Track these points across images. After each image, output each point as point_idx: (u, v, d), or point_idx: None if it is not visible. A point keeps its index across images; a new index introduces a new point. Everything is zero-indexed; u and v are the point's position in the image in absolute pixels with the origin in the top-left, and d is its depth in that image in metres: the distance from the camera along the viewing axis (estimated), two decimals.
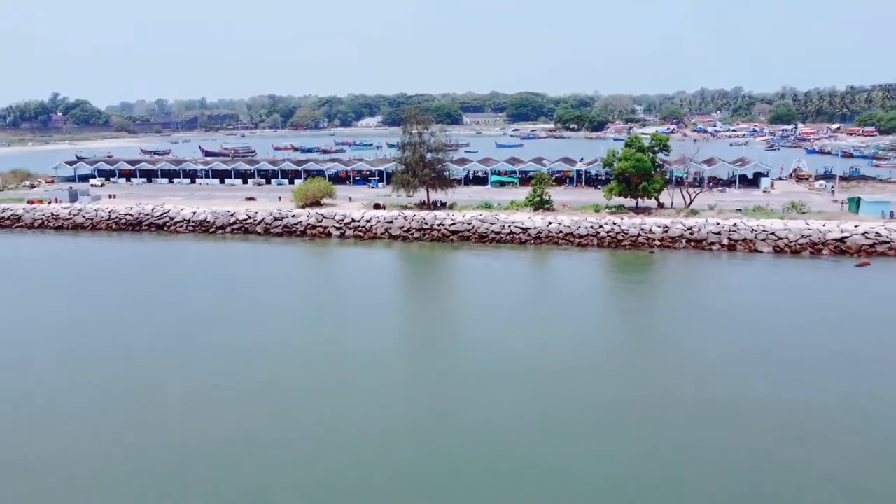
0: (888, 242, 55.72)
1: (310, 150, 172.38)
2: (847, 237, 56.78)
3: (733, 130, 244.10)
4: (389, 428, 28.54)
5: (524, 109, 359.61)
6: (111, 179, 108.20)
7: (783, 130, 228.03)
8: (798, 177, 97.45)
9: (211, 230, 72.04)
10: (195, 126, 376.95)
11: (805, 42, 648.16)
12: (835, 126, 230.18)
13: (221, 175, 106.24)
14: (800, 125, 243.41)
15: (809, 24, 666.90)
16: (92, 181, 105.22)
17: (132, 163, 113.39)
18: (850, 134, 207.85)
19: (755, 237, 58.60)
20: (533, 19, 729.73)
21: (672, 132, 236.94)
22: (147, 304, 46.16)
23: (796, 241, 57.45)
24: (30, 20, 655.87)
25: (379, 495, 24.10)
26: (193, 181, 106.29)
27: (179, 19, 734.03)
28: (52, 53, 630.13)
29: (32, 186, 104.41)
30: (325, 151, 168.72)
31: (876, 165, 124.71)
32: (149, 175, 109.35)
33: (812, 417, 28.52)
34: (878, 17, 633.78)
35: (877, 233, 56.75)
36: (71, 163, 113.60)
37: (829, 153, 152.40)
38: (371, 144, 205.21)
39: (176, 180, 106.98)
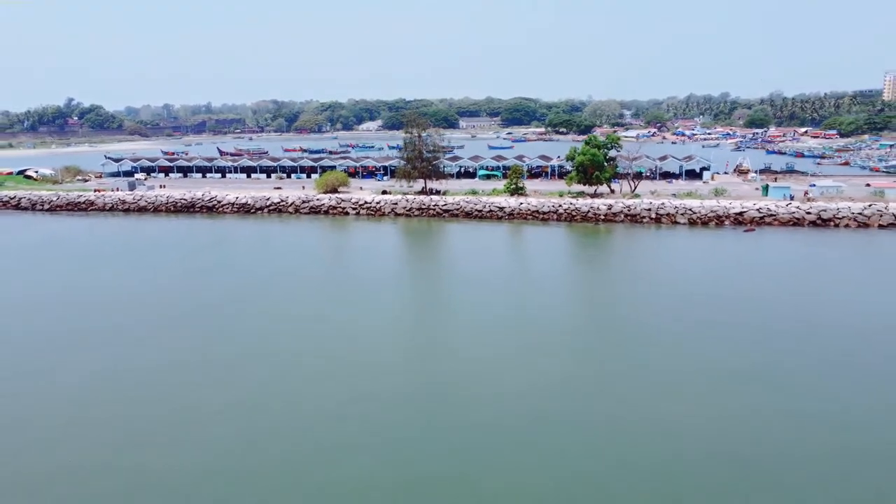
0: (774, 215, 73.35)
1: (318, 152, 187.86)
2: (744, 212, 74.33)
3: (708, 133, 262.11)
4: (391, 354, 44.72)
5: (518, 114, 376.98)
6: (151, 175, 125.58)
7: (754, 133, 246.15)
8: (739, 171, 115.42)
9: (251, 211, 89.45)
10: (203, 130, 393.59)
11: (799, 49, 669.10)
12: (802, 130, 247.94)
13: (248, 171, 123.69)
14: (771, 128, 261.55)
15: (803, 30, 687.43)
16: (136, 175, 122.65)
17: (170, 160, 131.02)
18: (814, 137, 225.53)
19: (676, 212, 76.14)
20: (532, 21, 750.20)
21: (653, 135, 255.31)
22: (205, 269, 62.22)
23: (706, 214, 75.02)
24: (31, 23, 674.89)
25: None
26: (223, 176, 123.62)
27: (180, 22, 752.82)
28: (56, 56, 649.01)
29: (85, 180, 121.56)
30: (331, 153, 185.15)
31: (818, 163, 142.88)
32: (184, 171, 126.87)
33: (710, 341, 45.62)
34: (860, 25, 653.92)
35: (768, 209, 74.33)
36: (116, 160, 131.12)
37: (784, 153, 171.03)
38: (373, 146, 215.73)
39: (209, 175, 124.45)
